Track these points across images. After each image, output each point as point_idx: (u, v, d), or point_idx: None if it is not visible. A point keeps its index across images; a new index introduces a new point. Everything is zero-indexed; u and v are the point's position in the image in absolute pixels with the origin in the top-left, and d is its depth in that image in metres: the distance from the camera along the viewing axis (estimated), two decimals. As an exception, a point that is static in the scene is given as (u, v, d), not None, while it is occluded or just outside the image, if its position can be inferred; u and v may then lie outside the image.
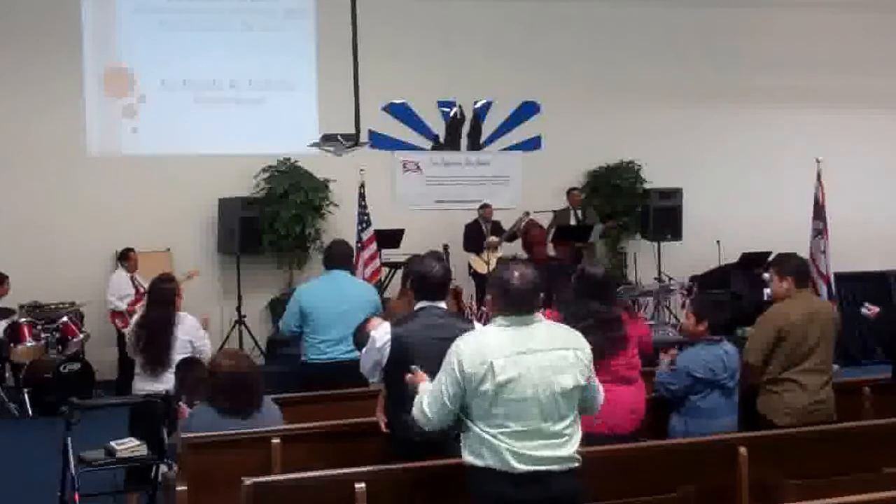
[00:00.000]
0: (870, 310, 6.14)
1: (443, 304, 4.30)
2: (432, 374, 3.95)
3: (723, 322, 5.20)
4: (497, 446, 3.47)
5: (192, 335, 6.07)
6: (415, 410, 3.69)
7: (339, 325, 5.98)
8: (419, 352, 4.09)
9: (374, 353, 4.21)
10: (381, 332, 4.20)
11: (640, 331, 5.08)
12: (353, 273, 8.84)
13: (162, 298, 6.12)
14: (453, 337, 3.96)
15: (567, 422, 3.55)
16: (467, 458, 3.57)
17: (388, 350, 4.14)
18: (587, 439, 4.39)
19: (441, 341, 4.04)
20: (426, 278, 4.29)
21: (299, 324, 6.12)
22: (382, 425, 4.30)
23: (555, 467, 3.50)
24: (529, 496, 3.48)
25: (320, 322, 6.03)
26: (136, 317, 6.40)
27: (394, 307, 6.11)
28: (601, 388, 3.79)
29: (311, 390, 5.71)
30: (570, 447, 3.55)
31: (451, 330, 4.10)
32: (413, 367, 3.92)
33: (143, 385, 5.97)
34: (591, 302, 4.73)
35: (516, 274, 3.59)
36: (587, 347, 3.67)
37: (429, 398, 3.63)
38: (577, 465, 3.57)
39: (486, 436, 3.49)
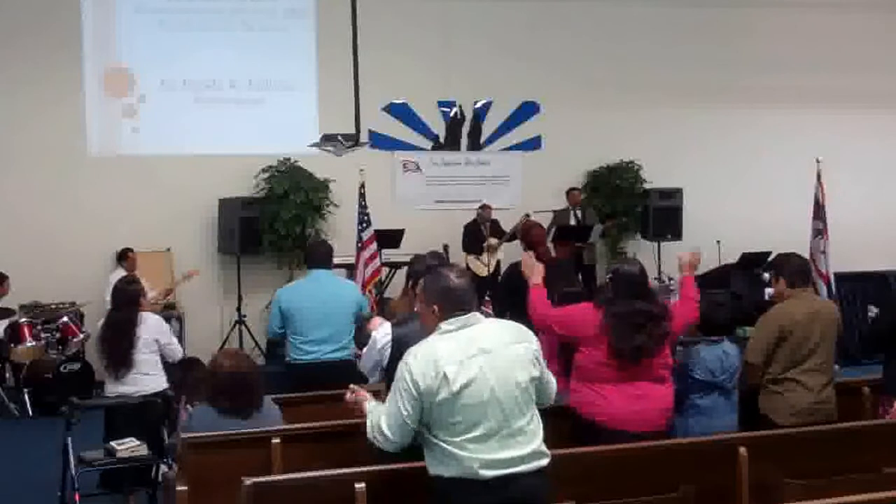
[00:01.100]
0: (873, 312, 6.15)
1: None
2: None
3: (724, 323, 5.19)
4: (461, 456, 3.43)
5: (156, 334, 6.04)
6: (371, 432, 3.61)
7: (324, 326, 5.98)
8: None
9: (374, 353, 4.21)
10: (382, 333, 4.20)
11: (688, 314, 5.03)
12: (351, 273, 8.88)
13: (125, 299, 6.11)
14: None
15: (528, 417, 3.52)
16: (435, 469, 3.53)
17: (388, 351, 4.14)
18: (619, 437, 4.40)
19: None
20: None
21: (282, 325, 6.11)
22: None
23: (522, 468, 3.47)
24: (495, 500, 3.44)
25: (304, 323, 6.01)
26: (101, 320, 6.40)
27: (394, 307, 6.11)
28: (553, 382, 3.77)
29: (297, 391, 5.65)
30: (534, 443, 3.52)
31: None
32: (352, 385, 3.89)
33: (113, 388, 5.96)
34: (635, 301, 4.70)
35: (451, 275, 3.58)
36: (534, 339, 3.65)
37: (387, 419, 3.55)
38: (545, 461, 3.54)
39: (450, 447, 3.45)
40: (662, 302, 4.90)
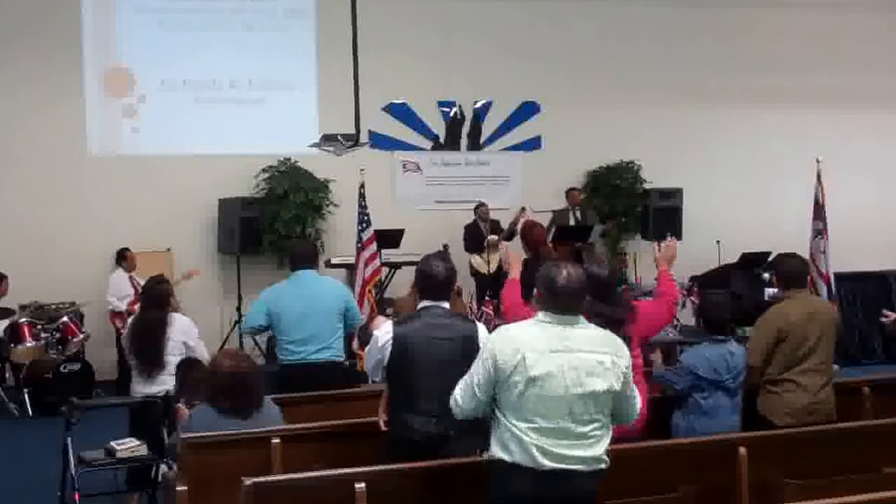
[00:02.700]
0: (888, 316, 6.09)
1: (446, 304, 4.31)
2: (431, 372, 3.94)
3: (725, 321, 5.18)
4: (524, 441, 3.48)
5: (185, 336, 6.02)
6: (451, 399, 3.73)
7: (306, 326, 5.93)
8: (420, 351, 4.09)
9: (375, 351, 4.21)
10: (383, 332, 4.20)
11: (662, 313, 5.04)
12: (352, 273, 8.87)
13: (155, 300, 6.10)
14: (455, 337, 3.97)
15: (595, 425, 3.55)
16: (495, 451, 3.58)
17: (389, 349, 4.15)
18: None
19: (442, 341, 4.05)
20: (430, 278, 4.30)
21: (265, 324, 6.03)
22: (382, 423, 4.31)
23: (580, 467, 3.51)
24: (549, 494, 3.48)
25: (287, 323, 5.96)
26: (130, 319, 6.38)
27: (401, 306, 6.11)
28: (639, 399, 3.78)
29: (285, 391, 5.60)
30: (597, 448, 3.56)
31: (453, 330, 4.11)
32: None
33: (141, 388, 5.93)
34: (597, 303, 4.70)
35: (563, 273, 3.59)
36: (627, 355, 3.65)
37: (461, 385, 3.67)
38: (603, 466, 3.58)
39: (515, 429, 3.50)
40: (629, 304, 4.87)
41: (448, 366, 4.01)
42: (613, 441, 4.29)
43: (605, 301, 4.69)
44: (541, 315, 3.62)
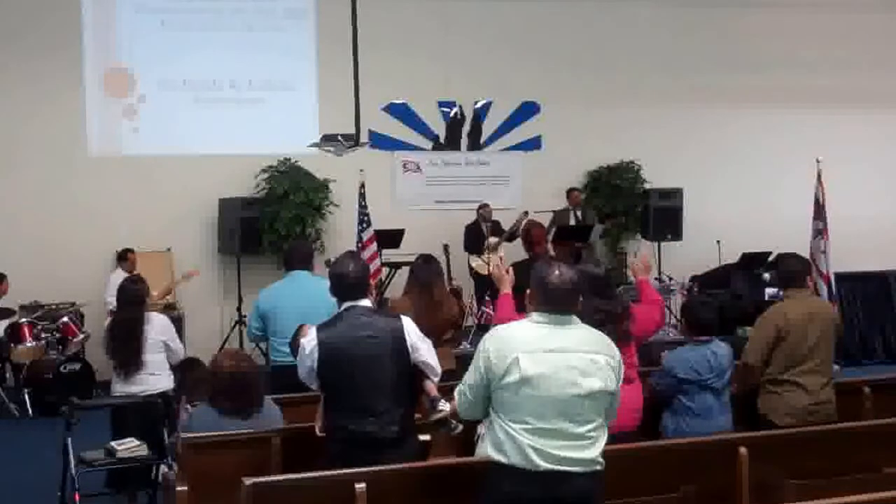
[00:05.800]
0: None
1: (365, 302, 4.23)
2: (363, 372, 3.95)
3: (707, 322, 5.16)
4: (520, 442, 3.47)
5: (164, 335, 5.99)
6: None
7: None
8: (349, 352, 4.05)
9: (305, 360, 4.14)
10: (308, 339, 4.14)
11: (652, 315, 5.07)
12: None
13: (131, 299, 6.03)
14: (381, 333, 4.00)
15: (592, 425, 3.52)
16: (490, 453, 3.56)
17: (316, 355, 4.08)
18: None
19: (369, 339, 4.03)
20: (342, 279, 4.22)
21: (262, 327, 6.02)
22: (318, 430, 4.27)
23: (576, 469, 3.49)
24: (546, 495, 3.46)
25: (282, 323, 5.88)
26: (108, 320, 6.36)
27: (397, 307, 6.07)
28: (620, 400, 3.76)
29: (279, 392, 5.52)
30: (593, 450, 3.53)
31: (378, 326, 4.09)
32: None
33: (121, 388, 5.90)
34: (594, 298, 4.71)
35: (556, 272, 3.58)
36: (618, 356, 3.65)
37: (457, 390, 3.71)
38: (599, 468, 3.56)
39: (510, 430, 3.49)
40: (625, 303, 4.92)
41: (378, 363, 4.00)
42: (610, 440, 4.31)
43: (602, 297, 4.72)
44: (535, 315, 3.61)
